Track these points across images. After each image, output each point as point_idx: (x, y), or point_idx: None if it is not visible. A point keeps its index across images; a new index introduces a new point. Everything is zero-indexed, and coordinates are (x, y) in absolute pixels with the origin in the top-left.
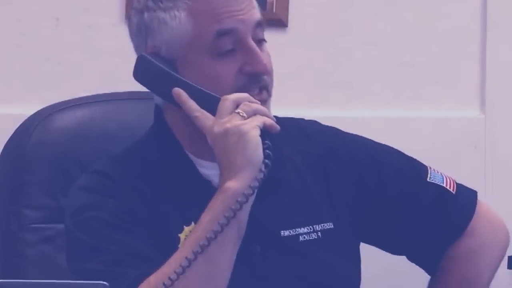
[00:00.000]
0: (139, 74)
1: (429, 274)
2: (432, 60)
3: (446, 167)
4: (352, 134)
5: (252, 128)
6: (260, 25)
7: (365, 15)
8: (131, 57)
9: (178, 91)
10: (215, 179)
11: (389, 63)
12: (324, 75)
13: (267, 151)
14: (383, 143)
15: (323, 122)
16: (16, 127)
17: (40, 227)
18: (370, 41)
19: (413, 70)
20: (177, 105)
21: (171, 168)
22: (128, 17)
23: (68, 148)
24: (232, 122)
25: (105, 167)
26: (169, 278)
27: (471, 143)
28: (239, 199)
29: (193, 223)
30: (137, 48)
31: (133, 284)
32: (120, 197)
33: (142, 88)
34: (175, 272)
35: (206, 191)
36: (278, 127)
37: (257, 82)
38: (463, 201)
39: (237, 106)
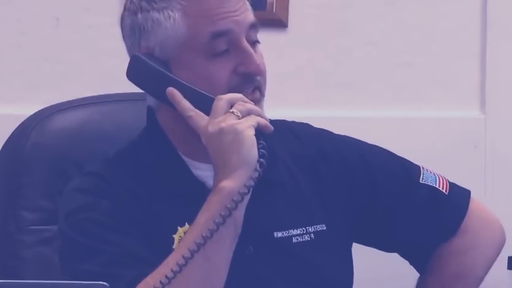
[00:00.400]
0: (132, 74)
1: (418, 272)
2: (432, 60)
3: (446, 167)
4: (343, 136)
5: (247, 127)
6: (254, 27)
7: (365, 15)
8: None
9: (172, 91)
10: (208, 181)
11: (389, 63)
12: (324, 75)
13: (262, 150)
14: (383, 143)
15: (323, 122)
16: (15, 127)
17: (38, 228)
18: (370, 41)
19: (413, 70)
20: (171, 105)
21: (164, 169)
22: (120, 18)
23: (65, 150)
24: (227, 121)
25: (98, 169)
26: (166, 277)
27: (471, 143)
28: (234, 198)
29: (187, 224)
30: (130, 49)
31: (130, 285)
32: (114, 198)
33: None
34: (172, 270)
35: (200, 192)
36: (272, 127)
37: (251, 83)
38: (456, 201)
39: (231, 106)
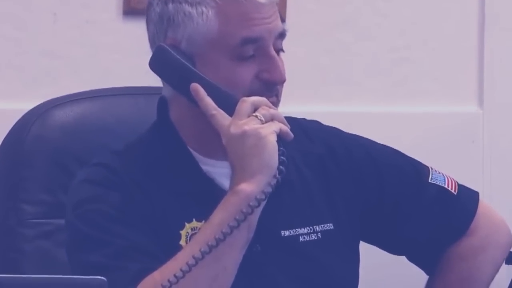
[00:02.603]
0: (156, 64)
1: (427, 275)
2: (430, 56)
3: (444, 162)
4: (352, 134)
5: (270, 133)
6: (282, 35)
7: (363, 10)
8: (130, 53)
9: (196, 87)
10: (217, 177)
11: (387, 58)
12: (322, 71)
13: (282, 157)
14: (381, 138)
15: (321, 118)
16: (14, 122)
17: (38, 222)
18: (368, 36)
19: (412, 66)
20: (192, 101)
21: (173, 164)
22: (148, 4)
23: (66, 143)
24: (250, 124)
25: (107, 160)
26: (175, 276)
27: (469, 137)
28: (251, 203)
29: (194, 219)
30: (153, 37)
31: (135, 278)
32: (123, 191)
33: (141, 84)
34: (181, 270)
35: (208, 188)
36: (292, 135)
37: (271, 91)
38: (465, 201)
39: (255, 109)
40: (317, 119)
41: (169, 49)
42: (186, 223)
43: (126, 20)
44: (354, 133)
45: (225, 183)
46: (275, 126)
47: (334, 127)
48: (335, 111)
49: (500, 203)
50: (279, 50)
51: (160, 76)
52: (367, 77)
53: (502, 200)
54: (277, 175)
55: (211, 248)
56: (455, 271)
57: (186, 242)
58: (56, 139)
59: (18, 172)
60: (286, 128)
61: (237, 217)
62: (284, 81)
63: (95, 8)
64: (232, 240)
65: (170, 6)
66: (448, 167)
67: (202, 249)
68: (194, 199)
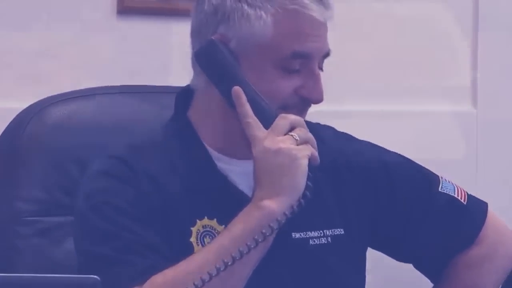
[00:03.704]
0: (203, 56)
1: (433, 283)
2: (424, 55)
3: (437, 161)
4: (364, 141)
5: (303, 156)
6: (326, 56)
7: (358, 9)
8: (124, 52)
9: (239, 91)
10: (231, 175)
11: (382, 57)
12: None
13: (308, 182)
14: (376, 137)
15: (319, 117)
16: (10, 121)
17: (33, 220)
18: (363, 36)
19: (406, 65)
20: (229, 101)
21: (187, 159)
22: None
23: (62, 142)
24: (287, 143)
25: (123, 154)
26: None
27: (463, 137)
28: (271, 224)
29: (206, 217)
30: (200, 26)
31: (142, 274)
32: (137, 186)
33: (136, 82)
34: (194, 284)
35: (221, 185)
36: (318, 160)
37: (305, 108)
38: (474, 211)
39: (291, 128)
40: (311, 119)
41: (221, 47)
42: (197, 220)
43: (120, 19)
44: (366, 141)
45: (239, 181)
46: (309, 150)
47: (347, 134)
48: (332, 110)
49: (493, 203)
50: (320, 68)
51: (203, 69)
52: (361, 77)
53: (495, 200)
54: (301, 199)
55: (226, 265)
56: (460, 279)
57: (197, 240)
58: (52, 138)
59: (13, 170)
60: (315, 153)
61: (256, 237)
62: (321, 101)
63: (90, 7)
64: (248, 258)
65: (228, 2)
66: (441, 166)
67: (217, 266)
68: (207, 196)
